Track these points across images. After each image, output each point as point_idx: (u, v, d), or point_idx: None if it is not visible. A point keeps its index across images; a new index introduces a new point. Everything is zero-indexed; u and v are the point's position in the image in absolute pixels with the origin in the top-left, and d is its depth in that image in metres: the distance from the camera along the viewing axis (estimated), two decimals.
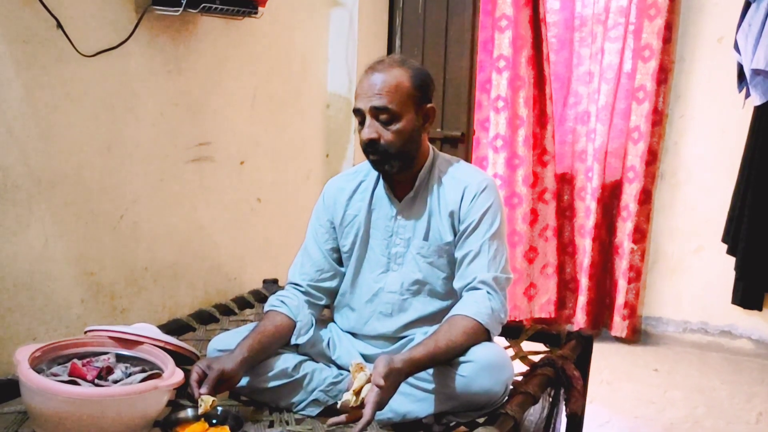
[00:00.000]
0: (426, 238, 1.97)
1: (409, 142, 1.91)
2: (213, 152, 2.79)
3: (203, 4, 2.38)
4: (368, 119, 1.87)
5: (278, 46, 3.12)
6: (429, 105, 1.94)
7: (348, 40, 3.49)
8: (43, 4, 2.03)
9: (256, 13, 2.66)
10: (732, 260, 3.53)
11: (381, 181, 2.02)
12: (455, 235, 1.95)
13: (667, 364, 3.57)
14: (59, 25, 2.09)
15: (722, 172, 3.61)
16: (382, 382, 1.60)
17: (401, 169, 1.93)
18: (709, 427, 2.89)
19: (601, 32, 3.78)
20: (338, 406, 1.70)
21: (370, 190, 2.04)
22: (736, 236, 3.48)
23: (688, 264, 3.79)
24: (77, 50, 2.15)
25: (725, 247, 3.56)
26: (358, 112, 1.90)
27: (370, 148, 1.89)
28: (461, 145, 3.79)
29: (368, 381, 1.66)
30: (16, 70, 2.01)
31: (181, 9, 2.35)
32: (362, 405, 1.63)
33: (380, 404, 1.62)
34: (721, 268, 3.62)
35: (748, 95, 3.37)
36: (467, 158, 3.82)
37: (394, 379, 1.64)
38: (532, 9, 3.68)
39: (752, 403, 3.13)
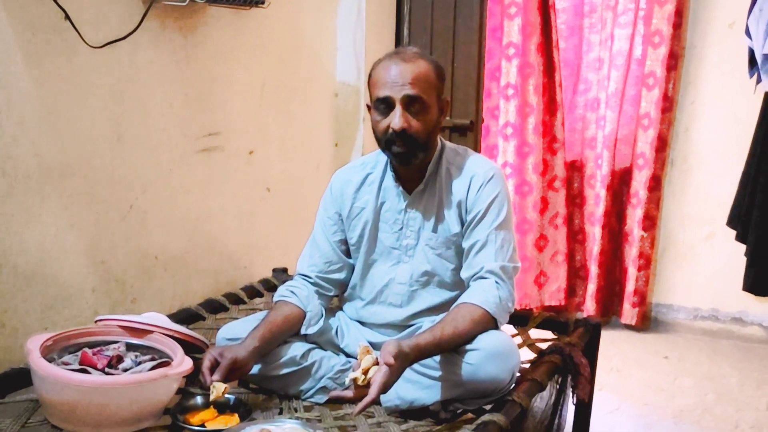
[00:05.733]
0: (435, 230, 1.97)
1: (433, 133, 1.93)
2: (222, 142, 2.80)
3: None
4: (399, 108, 1.84)
5: (286, 36, 3.12)
6: (444, 97, 1.95)
7: (356, 28, 3.48)
8: None
9: (263, 2, 2.66)
10: (743, 247, 3.52)
11: (389, 173, 2.02)
12: (462, 226, 1.95)
13: (678, 351, 3.57)
14: (67, 17, 2.10)
15: (733, 159, 3.58)
16: (392, 361, 1.62)
17: (422, 161, 1.93)
18: (719, 414, 2.89)
19: (611, 18, 3.75)
20: (346, 382, 1.73)
21: (377, 182, 2.03)
22: (746, 222, 3.46)
23: (699, 251, 3.77)
24: (85, 41, 2.16)
25: (734, 233, 3.55)
26: (384, 101, 1.85)
27: (399, 138, 1.85)
28: (470, 133, 3.79)
29: (375, 363, 1.69)
30: (26, 62, 2.03)
31: None
32: (368, 385, 1.66)
33: (386, 385, 1.64)
34: (733, 255, 3.60)
35: (759, 81, 3.34)
36: (476, 147, 3.82)
37: (401, 362, 1.66)
38: None
39: (762, 390, 3.12)
